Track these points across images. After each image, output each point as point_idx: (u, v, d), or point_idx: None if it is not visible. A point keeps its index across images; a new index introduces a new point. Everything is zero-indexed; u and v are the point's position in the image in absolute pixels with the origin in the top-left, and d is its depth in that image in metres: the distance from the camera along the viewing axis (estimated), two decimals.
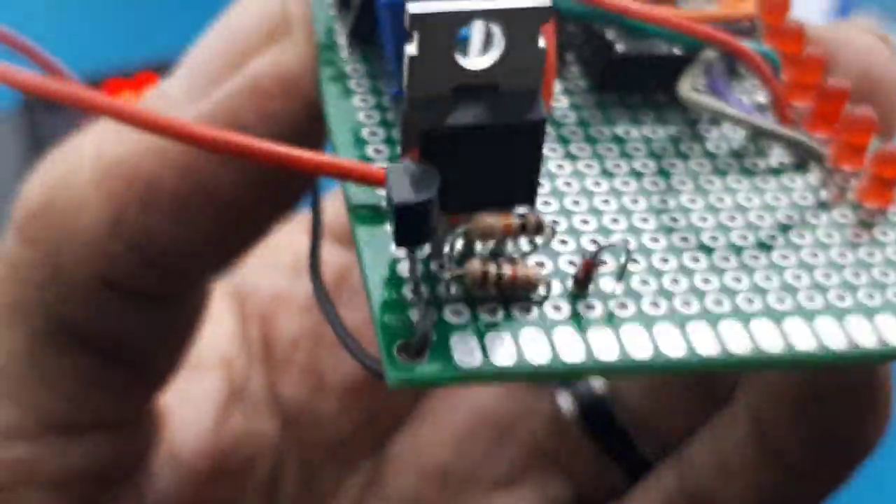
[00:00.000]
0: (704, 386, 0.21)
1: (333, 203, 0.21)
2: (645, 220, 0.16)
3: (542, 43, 0.14)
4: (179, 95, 0.18)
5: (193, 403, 0.22)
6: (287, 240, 0.23)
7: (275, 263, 0.23)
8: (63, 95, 0.16)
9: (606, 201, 0.17)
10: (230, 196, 0.17)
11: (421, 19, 0.13)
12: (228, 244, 0.18)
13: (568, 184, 0.17)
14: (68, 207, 0.17)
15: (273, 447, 0.23)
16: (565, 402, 0.23)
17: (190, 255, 0.18)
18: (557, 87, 0.19)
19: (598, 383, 0.23)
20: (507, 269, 0.14)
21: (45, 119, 0.38)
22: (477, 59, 0.14)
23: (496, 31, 0.14)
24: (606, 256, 0.15)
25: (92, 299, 0.18)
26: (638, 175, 0.17)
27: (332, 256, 0.22)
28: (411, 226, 0.14)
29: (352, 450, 0.23)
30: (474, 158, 0.14)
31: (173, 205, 0.17)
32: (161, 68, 0.41)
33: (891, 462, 0.28)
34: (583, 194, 0.17)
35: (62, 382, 0.18)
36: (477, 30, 0.14)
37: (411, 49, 0.14)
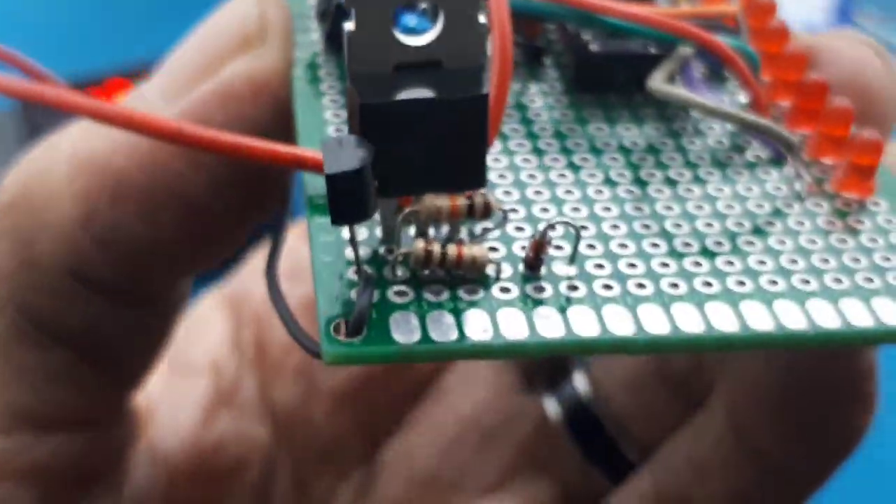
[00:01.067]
0: (686, 388, 0.21)
1: None
2: (608, 209, 0.16)
3: (482, 19, 0.14)
4: (155, 97, 0.18)
5: (179, 405, 0.22)
6: (283, 247, 0.23)
7: None
8: (36, 96, 0.17)
9: (570, 192, 0.16)
10: (199, 198, 0.17)
11: None
12: (197, 247, 0.18)
13: (532, 176, 0.16)
14: (41, 200, 0.17)
15: (264, 451, 0.23)
16: (551, 406, 0.23)
17: (158, 255, 0.18)
18: (532, 88, 0.19)
19: (583, 388, 0.22)
20: (452, 249, 0.14)
21: (45, 117, 0.38)
22: (416, 36, 0.14)
23: (435, 6, 0.14)
24: (560, 241, 0.15)
25: (63, 293, 0.18)
26: (605, 168, 0.17)
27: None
28: (344, 198, 0.13)
29: (344, 456, 0.23)
30: (417, 136, 0.14)
31: (142, 202, 0.17)
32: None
33: (875, 459, 0.27)
34: (545, 185, 0.16)
35: (33, 377, 0.18)
36: (416, 5, 0.14)
37: (349, 25, 0.14)
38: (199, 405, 0.22)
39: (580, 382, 0.23)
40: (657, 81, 0.17)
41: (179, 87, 0.18)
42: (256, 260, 0.24)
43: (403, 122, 0.14)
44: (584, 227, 0.15)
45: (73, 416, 0.19)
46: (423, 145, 0.14)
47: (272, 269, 0.16)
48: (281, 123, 0.18)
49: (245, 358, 0.23)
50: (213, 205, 0.18)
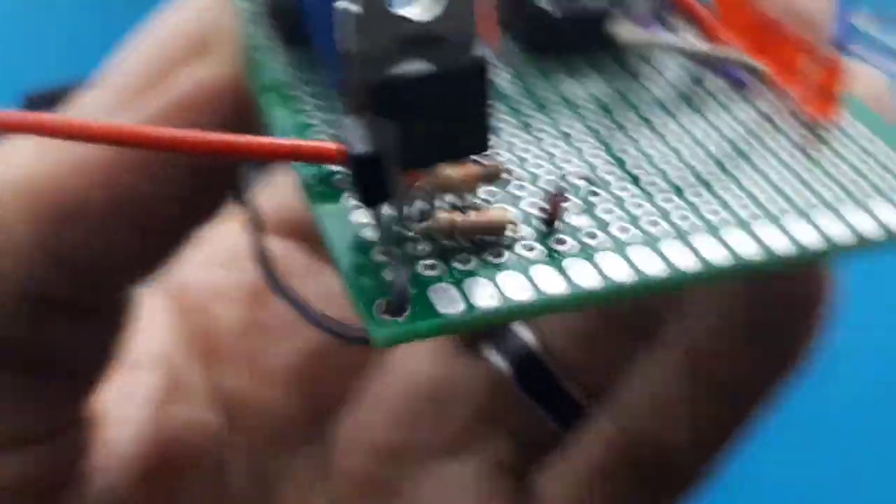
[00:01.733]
0: (635, 324, 0.21)
1: (269, 199, 0.21)
2: (596, 155, 0.16)
3: None
4: (98, 110, 0.17)
5: (130, 401, 0.22)
6: (219, 233, 0.23)
7: (209, 257, 0.23)
8: None
9: (555, 145, 0.17)
10: (154, 208, 0.17)
11: None
12: (155, 253, 0.18)
13: (514, 135, 0.17)
14: None
15: (218, 438, 0.22)
16: (498, 361, 0.23)
17: (117, 266, 0.18)
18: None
19: (527, 337, 0.23)
20: (474, 216, 0.14)
21: None
22: (414, 11, 0.14)
23: None
24: (569, 192, 0.15)
25: (17, 316, 0.17)
26: (583, 119, 0.17)
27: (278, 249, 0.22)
28: (375, 179, 0.13)
29: (298, 435, 0.23)
30: (424, 110, 0.14)
31: (98, 219, 0.17)
32: None
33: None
34: (531, 143, 0.17)
35: None
36: None
37: (343, 4, 0.14)
38: (151, 399, 0.22)
39: (523, 332, 0.23)
40: (625, 30, 0.18)
41: (126, 99, 0.17)
42: (193, 248, 0.24)
43: (411, 98, 0.14)
44: (587, 178, 0.16)
45: (30, 433, 0.19)
46: (431, 117, 0.14)
47: (281, 282, 0.16)
48: (242, 128, 0.17)
49: (190, 347, 0.23)
50: (168, 212, 0.18)
